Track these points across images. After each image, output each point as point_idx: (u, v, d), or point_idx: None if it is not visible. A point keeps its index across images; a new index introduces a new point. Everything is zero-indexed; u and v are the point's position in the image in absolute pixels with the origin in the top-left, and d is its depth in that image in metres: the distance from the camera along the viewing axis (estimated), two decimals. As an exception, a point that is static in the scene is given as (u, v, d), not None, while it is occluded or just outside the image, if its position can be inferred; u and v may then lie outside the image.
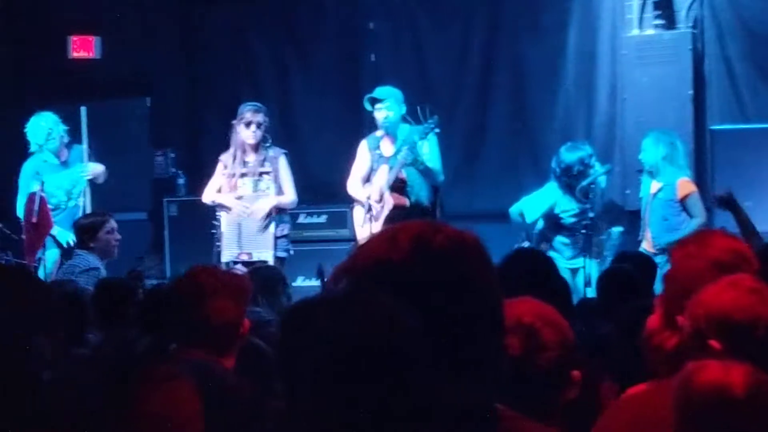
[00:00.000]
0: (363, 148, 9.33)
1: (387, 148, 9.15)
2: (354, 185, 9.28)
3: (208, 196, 9.39)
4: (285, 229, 9.32)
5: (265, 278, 6.70)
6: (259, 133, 9.18)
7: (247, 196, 9.16)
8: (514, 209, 9.73)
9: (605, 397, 3.45)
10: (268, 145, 9.26)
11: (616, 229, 9.64)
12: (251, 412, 3.74)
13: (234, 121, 9.30)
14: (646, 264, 6.83)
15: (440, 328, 2.03)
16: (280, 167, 9.26)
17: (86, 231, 8.29)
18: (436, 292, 2.03)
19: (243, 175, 9.20)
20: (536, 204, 9.57)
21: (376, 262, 2.07)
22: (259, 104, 9.47)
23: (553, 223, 9.49)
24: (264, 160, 9.22)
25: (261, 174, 9.19)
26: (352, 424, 1.93)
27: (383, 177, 8.99)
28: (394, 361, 1.94)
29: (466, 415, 2.06)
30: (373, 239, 2.13)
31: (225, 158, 9.32)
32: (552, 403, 2.66)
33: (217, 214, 9.24)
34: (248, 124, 9.16)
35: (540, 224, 9.56)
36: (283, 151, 9.42)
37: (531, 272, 4.01)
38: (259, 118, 9.21)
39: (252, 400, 3.84)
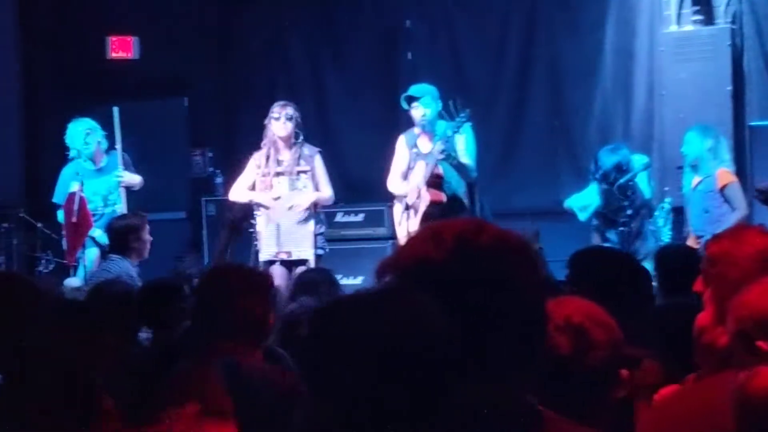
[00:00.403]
0: (401, 144, 9.31)
1: (424, 145, 9.13)
2: (394, 182, 9.27)
3: (238, 193, 9.38)
4: (322, 227, 9.33)
5: (306, 280, 6.75)
6: (290, 125, 9.17)
7: (284, 196, 9.16)
8: (566, 204, 9.78)
9: (645, 375, 3.42)
10: (300, 141, 9.25)
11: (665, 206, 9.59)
12: (283, 405, 3.76)
13: (265, 121, 9.31)
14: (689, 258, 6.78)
15: (481, 328, 2.04)
16: (316, 165, 9.27)
17: (126, 233, 8.21)
18: (477, 291, 2.03)
19: (278, 174, 9.20)
20: (583, 204, 9.57)
21: (418, 260, 2.08)
22: (287, 100, 9.50)
23: (603, 219, 9.48)
24: (299, 158, 9.22)
25: (298, 173, 9.19)
26: (383, 424, 1.93)
27: (420, 173, 8.98)
28: (424, 360, 1.94)
29: (507, 416, 2.06)
30: (417, 237, 2.14)
31: (258, 156, 9.31)
32: (600, 403, 2.65)
33: (256, 213, 9.23)
34: (277, 118, 9.18)
35: (593, 221, 9.58)
36: (318, 149, 9.42)
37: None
38: (288, 110, 9.21)
39: (283, 393, 3.86)
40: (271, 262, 9.12)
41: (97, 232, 9.49)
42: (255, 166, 9.29)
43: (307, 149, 9.30)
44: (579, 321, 2.62)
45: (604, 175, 9.28)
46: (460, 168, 8.92)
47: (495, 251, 2.06)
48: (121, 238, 8.19)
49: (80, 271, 9.18)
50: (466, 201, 9.07)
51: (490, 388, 2.06)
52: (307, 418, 2.06)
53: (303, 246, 9.12)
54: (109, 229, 8.56)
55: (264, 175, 9.20)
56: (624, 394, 2.69)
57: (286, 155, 9.22)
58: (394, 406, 1.92)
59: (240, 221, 8.47)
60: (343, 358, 1.94)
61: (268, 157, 9.22)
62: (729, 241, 3.12)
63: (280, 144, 9.20)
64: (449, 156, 8.79)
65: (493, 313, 2.03)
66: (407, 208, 8.97)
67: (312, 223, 9.15)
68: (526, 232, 7.84)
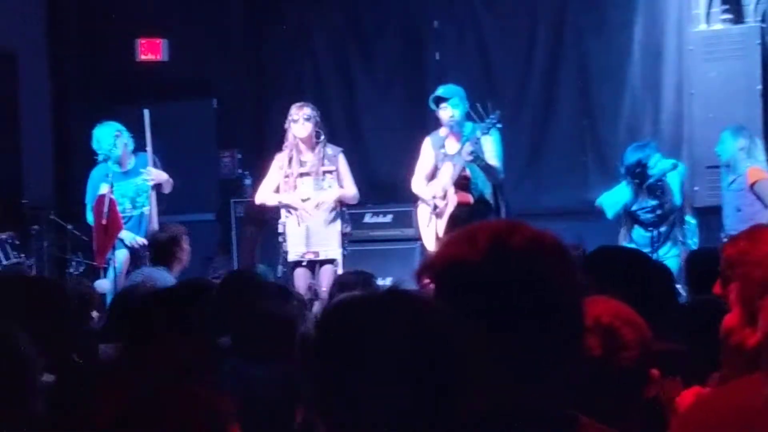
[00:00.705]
0: (427, 146, 9.30)
1: (452, 146, 9.12)
2: (418, 183, 9.27)
3: (263, 196, 9.39)
4: (348, 226, 9.34)
5: (345, 281, 6.79)
6: (309, 125, 9.18)
7: (310, 195, 9.16)
8: (597, 202, 9.80)
9: (668, 392, 3.41)
10: (322, 140, 9.25)
11: (691, 220, 9.59)
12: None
13: (285, 124, 9.33)
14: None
15: (516, 329, 2.04)
16: (340, 164, 9.29)
17: (170, 244, 8.22)
18: (513, 292, 2.03)
19: (302, 174, 9.21)
20: (613, 201, 9.58)
21: (454, 261, 2.09)
22: (304, 102, 9.50)
23: (630, 219, 9.48)
24: (323, 158, 9.23)
25: (324, 173, 9.19)
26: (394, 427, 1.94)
27: (447, 174, 8.97)
28: (431, 361, 1.95)
29: (541, 421, 2.07)
30: (452, 239, 2.15)
31: (280, 158, 9.32)
32: (632, 403, 2.64)
33: (286, 215, 9.23)
34: (296, 120, 9.20)
35: (623, 220, 9.58)
36: (340, 148, 9.44)
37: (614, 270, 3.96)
38: (306, 111, 9.22)
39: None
40: (297, 263, 9.13)
41: (127, 234, 9.52)
42: (278, 168, 9.30)
43: (330, 149, 9.31)
44: (608, 321, 2.62)
45: (626, 170, 9.31)
46: (487, 170, 8.91)
47: (529, 252, 2.07)
48: (166, 249, 8.20)
49: (110, 273, 9.21)
50: (492, 202, 9.06)
51: (524, 392, 2.07)
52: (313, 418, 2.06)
53: (331, 246, 9.12)
54: (153, 242, 8.56)
55: (287, 176, 9.21)
56: (654, 394, 2.69)
57: (309, 156, 9.23)
58: (402, 407, 1.93)
59: (262, 215, 8.41)
60: (349, 358, 1.96)
61: (290, 159, 9.23)
62: (746, 242, 3.11)
63: (302, 145, 9.21)
64: (477, 158, 8.78)
65: (526, 313, 2.04)
66: (434, 208, 8.97)
67: (339, 222, 9.16)
68: (570, 240, 7.80)
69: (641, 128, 11.44)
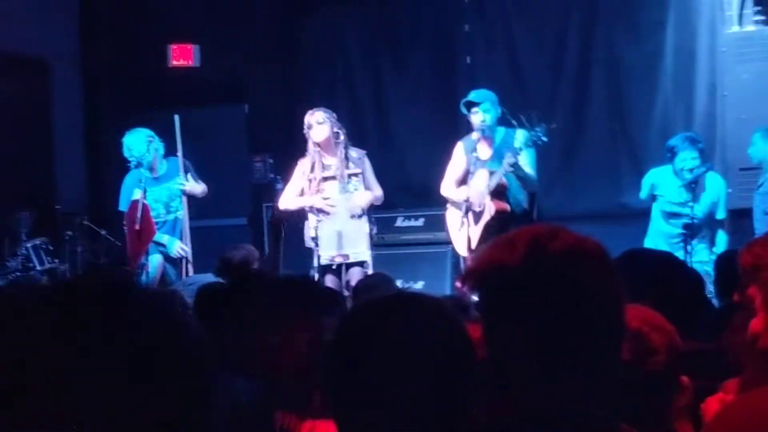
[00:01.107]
0: (459, 150, 9.29)
1: (484, 151, 9.09)
2: (448, 187, 9.25)
3: (287, 201, 9.41)
4: (374, 228, 9.37)
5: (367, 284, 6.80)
6: (325, 128, 9.20)
7: (336, 200, 9.18)
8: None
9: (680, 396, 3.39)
10: (341, 141, 9.26)
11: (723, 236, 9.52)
12: None
13: (303, 131, 9.35)
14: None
15: (555, 333, 2.05)
16: (366, 167, 9.31)
17: (239, 267, 8.08)
18: (551, 297, 2.05)
19: (325, 178, 9.22)
20: (651, 180, 9.55)
21: (494, 266, 2.11)
22: (317, 107, 9.50)
23: (667, 212, 9.41)
24: (347, 160, 9.24)
25: (349, 176, 9.21)
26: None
27: (483, 181, 8.92)
28: (442, 363, 1.96)
29: (582, 424, 2.07)
30: (493, 244, 2.17)
31: (303, 163, 9.35)
32: (663, 411, 2.63)
33: (317, 220, 9.24)
34: (310, 126, 9.23)
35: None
36: (364, 150, 9.46)
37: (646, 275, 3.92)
38: (318, 115, 9.25)
39: None
40: (327, 267, 9.13)
41: (171, 242, 9.57)
42: (301, 173, 9.33)
43: (354, 152, 9.33)
44: (637, 326, 2.61)
45: (666, 150, 9.27)
46: (524, 179, 8.85)
47: (568, 257, 2.08)
48: (234, 269, 8.05)
49: (143, 278, 9.25)
50: (527, 210, 9.02)
51: (562, 396, 2.07)
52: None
53: (360, 248, 9.13)
54: (225, 259, 8.31)
55: (311, 180, 9.22)
56: (686, 403, 2.67)
57: (332, 160, 9.25)
58: (419, 410, 1.94)
59: (280, 220, 8.34)
60: (367, 361, 1.97)
61: (313, 164, 9.25)
62: (761, 247, 3.09)
63: (323, 149, 9.23)
64: (518, 168, 8.73)
65: (565, 319, 2.05)
66: (467, 212, 8.94)
67: (367, 224, 9.19)
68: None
69: (673, 131, 11.36)
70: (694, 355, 3.55)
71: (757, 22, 10.71)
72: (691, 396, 2.78)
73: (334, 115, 9.39)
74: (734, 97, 10.57)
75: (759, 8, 10.66)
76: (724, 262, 6.17)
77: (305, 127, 9.28)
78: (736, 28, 10.83)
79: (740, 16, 10.83)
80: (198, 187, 9.81)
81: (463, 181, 9.12)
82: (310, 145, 9.27)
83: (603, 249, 2.13)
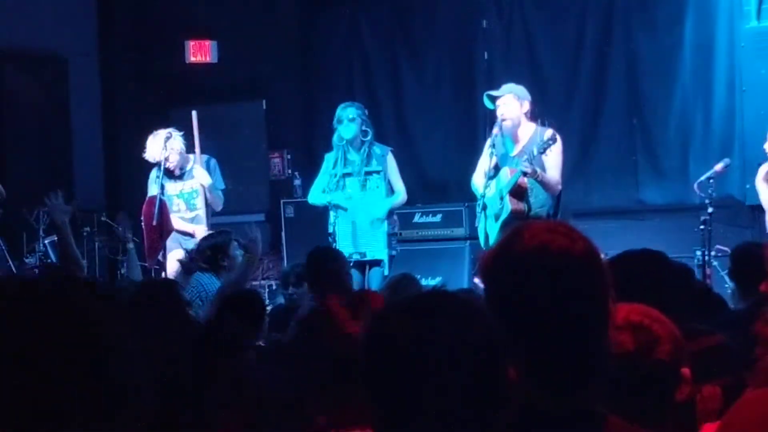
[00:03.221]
0: (488, 145, 9.11)
1: (510, 146, 8.93)
2: (478, 180, 9.03)
3: (313, 197, 9.43)
4: (395, 227, 9.33)
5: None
6: (354, 127, 9.19)
7: (355, 195, 9.18)
8: None
9: (706, 401, 3.37)
10: (368, 139, 9.25)
11: None
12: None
13: (334, 123, 9.34)
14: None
15: (540, 331, 2.09)
16: (389, 164, 9.26)
17: (214, 253, 8.14)
18: (518, 295, 2.10)
19: (348, 174, 9.21)
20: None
21: (483, 262, 2.18)
22: (350, 102, 9.50)
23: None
24: (370, 158, 9.23)
25: (370, 173, 9.19)
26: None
27: (505, 179, 8.77)
28: (479, 360, 1.98)
29: (569, 417, 2.09)
30: (498, 239, 2.22)
31: (329, 158, 9.36)
32: (665, 403, 2.63)
33: (335, 216, 9.24)
34: (340, 121, 9.22)
35: None
36: (389, 148, 9.42)
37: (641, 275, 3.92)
38: (349, 112, 9.23)
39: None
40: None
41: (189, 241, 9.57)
42: (326, 168, 9.34)
43: (378, 148, 9.30)
44: (638, 319, 2.62)
45: None
46: (544, 183, 8.62)
47: (530, 256, 2.11)
48: (210, 258, 8.16)
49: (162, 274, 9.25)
50: (548, 212, 8.79)
51: (551, 392, 2.10)
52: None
53: (377, 246, 9.12)
54: (197, 250, 8.49)
55: (333, 176, 9.23)
56: (686, 397, 2.67)
57: (356, 156, 9.24)
58: (449, 407, 1.95)
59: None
60: (396, 359, 1.98)
61: (337, 160, 9.25)
62: None
63: (348, 144, 9.23)
64: (534, 173, 8.47)
65: (550, 316, 2.08)
66: (484, 208, 8.83)
67: (386, 223, 9.15)
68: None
69: (692, 126, 11.36)
70: (705, 352, 3.55)
71: (775, 17, 10.67)
72: (690, 389, 2.78)
73: (366, 111, 9.37)
74: (753, 92, 10.54)
75: (778, 3, 10.62)
76: (741, 255, 6.14)
77: (336, 120, 9.27)
78: (754, 23, 10.80)
79: (759, 11, 10.79)
80: (206, 178, 9.72)
81: (495, 175, 8.96)
82: (337, 140, 9.26)
83: (585, 254, 2.13)
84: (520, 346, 2.09)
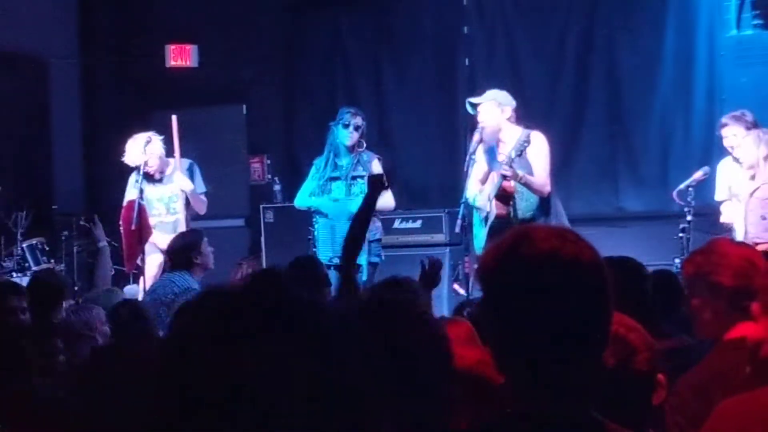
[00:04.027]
0: (480, 151, 9.07)
1: (491, 151, 8.92)
2: (472, 189, 8.97)
3: (300, 200, 9.43)
4: (378, 233, 9.30)
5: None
6: (356, 135, 9.22)
7: (341, 200, 9.17)
8: None
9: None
10: (362, 149, 9.28)
11: None
12: None
13: (332, 123, 9.33)
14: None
15: (536, 335, 2.08)
16: (374, 171, 9.24)
17: (186, 251, 8.13)
18: (521, 301, 2.08)
19: (335, 178, 9.21)
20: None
21: (481, 266, 2.18)
22: (357, 108, 9.51)
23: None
24: (357, 163, 9.23)
25: (356, 178, 9.19)
26: None
27: (491, 183, 8.75)
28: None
29: (569, 424, 2.09)
30: (492, 243, 2.23)
31: (318, 162, 9.37)
32: (645, 409, 2.65)
33: (317, 220, 9.24)
34: (346, 126, 9.21)
35: None
36: (377, 155, 9.42)
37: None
38: (358, 120, 9.26)
39: None
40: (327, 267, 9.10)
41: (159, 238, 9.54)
42: (315, 170, 9.34)
43: (366, 155, 9.31)
44: (614, 329, 2.63)
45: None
46: (528, 184, 8.60)
47: (537, 262, 2.10)
48: (182, 256, 8.17)
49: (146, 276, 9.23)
50: (534, 216, 8.76)
51: (551, 398, 2.09)
52: None
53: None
54: (170, 250, 8.52)
55: (321, 179, 9.23)
56: (661, 401, 2.69)
57: (345, 160, 9.24)
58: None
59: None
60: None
61: (327, 162, 9.25)
62: (702, 256, 3.13)
63: (342, 149, 9.23)
64: (515, 175, 8.46)
65: (543, 322, 2.07)
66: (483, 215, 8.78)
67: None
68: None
69: (672, 134, 11.39)
70: (674, 351, 3.60)
71: (755, 26, 10.71)
72: (666, 393, 2.81)
73: (365, 123, 9.39)
74: (733, 101, 10.55)
75: (757, 12, 10.66)
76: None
77: (340, 121, 9.25)
78: (734, 32, 10.84)
79: (739, 20, 10.83)
80: (188, 185, 9.71)
81: (485, 181, 8.92)
82: (332, 141, 9.26)
83: (589, 259, 2.13)
84: (521, 349, 2.09)
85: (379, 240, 9.27)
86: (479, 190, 8.81)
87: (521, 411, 2.10)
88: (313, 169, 9.39)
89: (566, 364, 2.08)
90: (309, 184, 9.37)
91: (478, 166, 8.92)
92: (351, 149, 9.23)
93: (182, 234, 8.83)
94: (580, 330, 2.08)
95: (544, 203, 8.70)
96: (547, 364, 2.08)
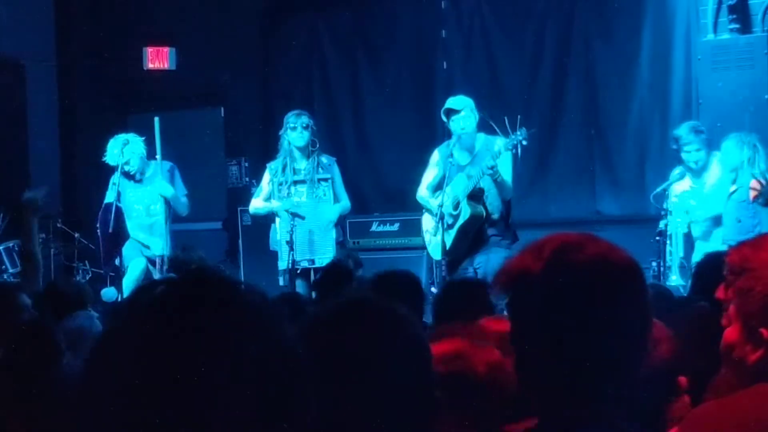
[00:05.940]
0: (435, 157, 9.25)
1: (463, 157, 9.03)
2: (424, 193, 9.23)
3: (255, 205, 9.47)
4: (341, 236, 9.45)
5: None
6: (307, 134, 9.28)
7: (304, 203, 9.21)
8: None
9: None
10: (315, 149, 9.31)
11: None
12: None
13: (280, 132, 9.38)
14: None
15: (578, 344, 2.06)
16: (336, 174, 9.35)
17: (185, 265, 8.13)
18: (572, 307, 2.05)
19: (296, 182, 9.25)
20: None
21: (520, 271, 2.13)
22: (299, 110, 9.54)
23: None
24: (318, 166, 9.29)
25: (319, 181, 9.25)
26: None
27: (461, 186, 8.87)
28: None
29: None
30: (525, 248, 2.18)
31: (273, 166, 9.38)
32: (661, 413, 2.64)
33: (291, 223, 9.24)
34: (294, 128, 9.25)
35: None
36: (334, 158, 9.56)
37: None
38: (304, 119, 9.31)
39: None
40: (293, 271, 9.14)
41: (156, 244, 9.51)
42: (269, 175, 9.36)
43: (325, 158, 9.41)
44: None
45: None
46: (502, 185, 8.76)
47: (592, 268, 2.09)
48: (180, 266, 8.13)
49: (125, 281, 9.20)
50: (503, 215, 8.94)
51: (587, 409, 2.08)
52: None
53: (327, 254, 9.16)
54: (174, 261, 8.47)
55: (281, 184, 9.25)
56: (683, 409, 2.69)
57: (303, 164, 9.29)
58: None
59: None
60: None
61: (284, 167, 9.28)
62: (750, 249, 3.11)
63: (297, 153, 9.28)
64: (496, 172, 8.61)
65: (588, 330, 2.05)
66: (441, 218, 8.89)
67: (334, 231, 9.25)
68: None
69: (649, 138, 11.43)
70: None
71: (732, 30, 10.74)
72: (688, 399, 2.80)
73: (314, 122, 9.45)
74: (709, 105, 10.60)
75: (734, 17, 10.70)
76: (701, 264, 6.21)
77: (287, 126, 9.30)
78: (711, 37, 10.87)
79: (715, 24, 10.87)
80: (168, 190, 9.70)
81: (439, 186, 9.07)
82: (285, 146, 9.30)
83: (632, 261, 2.14)
84: (568, 355, 2.06)
85: (342, 242, 9.43)
86: (431, 195, 9.00)
87: (545, 415, 2.09)
88: (268, 174, 9.40)
89: (614, 370, 2.07)
90: (264, 189, 9.41)
91: (431, 171, 9.11)
92: (305, 150, 9.27)
93: (188, 248, 8.69)
94: (630, 333, 2.08)
95: (505, 206, 8.86)
96: (592, 370, 2.06)
